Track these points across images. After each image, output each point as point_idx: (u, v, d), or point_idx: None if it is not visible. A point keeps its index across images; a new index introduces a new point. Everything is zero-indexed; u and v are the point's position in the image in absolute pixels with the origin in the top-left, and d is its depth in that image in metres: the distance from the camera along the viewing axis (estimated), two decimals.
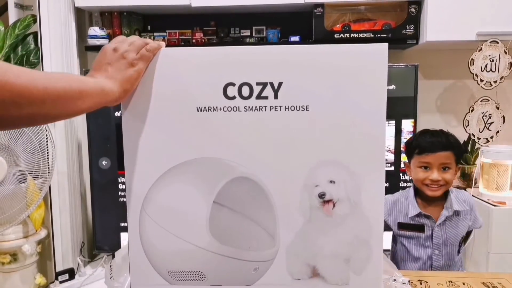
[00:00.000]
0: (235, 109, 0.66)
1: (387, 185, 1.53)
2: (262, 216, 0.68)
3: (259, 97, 0.65)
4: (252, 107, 0.66)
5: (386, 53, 0.64)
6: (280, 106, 0.65)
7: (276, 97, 0.65)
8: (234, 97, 0.66)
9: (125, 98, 0.63)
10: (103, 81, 0.58)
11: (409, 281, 0.85)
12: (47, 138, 1.41)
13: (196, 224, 0.67)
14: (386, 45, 0.64)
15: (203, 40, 1.85)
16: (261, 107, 0.66)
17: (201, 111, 0.66)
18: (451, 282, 0.98)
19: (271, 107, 0.65)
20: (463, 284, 0.99)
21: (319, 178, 0.67)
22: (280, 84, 0.65)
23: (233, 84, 0.65)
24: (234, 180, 0.67)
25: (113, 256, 1.73)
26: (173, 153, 0.67)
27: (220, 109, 0.66)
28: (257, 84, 0.65)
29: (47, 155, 1.40)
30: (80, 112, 0.55)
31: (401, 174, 1.63)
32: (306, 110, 0.65)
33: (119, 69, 0.61)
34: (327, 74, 0.65)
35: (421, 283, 0.99)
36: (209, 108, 0.66)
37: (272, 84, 0.65)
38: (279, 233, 0.68)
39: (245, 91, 0.65)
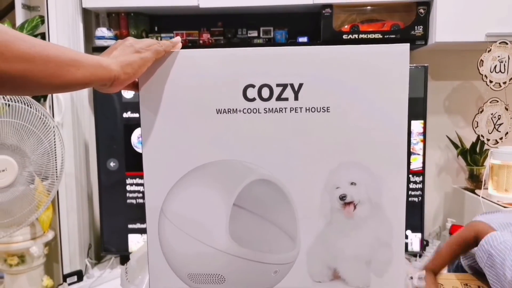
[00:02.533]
0: (255, 111, 0.65)
1: None
2: (283, 219, 0.67)
3: (279, 98, 0.65)
4: (272, 108, 0.65)
5: (407, 54, 0.64)
6: (301, 108, 0.65)
7: (296, 98, 0.65)
8: (254, 99, 0.65)
9: (125, 82, 0.60)
10: (102, 58, 0.57)
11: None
12: (54, 139, 1.40)
13: (215, 227, 0.66)
14: (407, 45, 0.64)
15: (210, 41, 1.84)
16: (281, 109, 0.65)
17: (220, 113, 0.65)
18: (467, 285, 0.98)
19: (291, 109, 0.65)
20: (478, 287, 0.98)
21: (340, 180, 0.66)
22: (300, 85, 0.65)
23: (253, 86, 0.65)
24: (254, 183, 0.66)
25: (121, 258, 1.72)
26: (192, 155, 0.66)
27: (240, 111, 0.65)
28: (277, 85, 0.65)
29: (55, 156, 1.40)
30: (76, 82, 0.53)
31: (410, 176, 1.63)
32: (327, 111, 0.65)
33: (123, 52, 0.59)
34: (348, 75, 0.64)
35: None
36: (229, 110, 0.65)
37: (292, 86, 0.65)
38: (299, 235, 0.67)
39: (265, 92, 0.65)
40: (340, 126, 0.65)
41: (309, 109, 0.65)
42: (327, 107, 0.65)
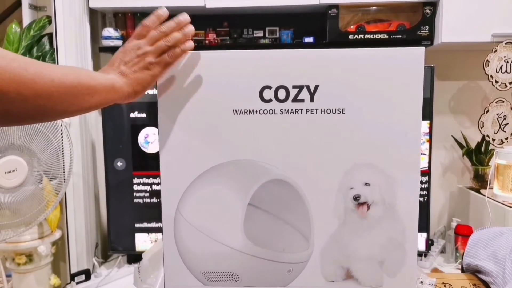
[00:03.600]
0: (271, 112, 0.66)
1: None
2: (297, 218, 0.68)
3: (295, 100, 0.66)
4: (288, 110, 0.66)
5: (422, 57, 0.65)
6: (316, 109, 0.66)
7: (312, 100, 0.66)
8: (270, 100, 0.66)
9: (135, 98, 0.63)
10: (114, 78, 0.59)
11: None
12: (62, 138, 1.41)
13: (230, 226, 0.67)
14: (422, 49, 0.65)
15: (216, 41, 1.85)
16: (297, 110, 0.66)
17: (237, 114, 0.66)
18: (475, 285, 0.98)
19: (307, 110, 0.66)
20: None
21: (354, 181, 0.67)
22: (316, 87, 0.65)
23: (270, 87, 0.66)
24: (269, 183, 0.67)
25: (128, 257, 1.73)
26: (208, 155, 0.67)
27: (256, 112, 0.66)
28: (294, 87, 0.66)
29: (62, 156, 1.40)
30: (89, 108, 0.55)
31: None
32: (342, 113, 0.65)
33: (133, 70, 0.61)
34: (363, 78, 0.65)
35: (445, 286, 0.99)
36: (246, 111, 0.66)
37: (308, 87, 0.65)
38: (313, 235, 0.68)
39: (281, 94, 0.66)
40: (355, 127, 0.66)
41: (324, 111, 0.66)
42: (342, 109, 0.65)
